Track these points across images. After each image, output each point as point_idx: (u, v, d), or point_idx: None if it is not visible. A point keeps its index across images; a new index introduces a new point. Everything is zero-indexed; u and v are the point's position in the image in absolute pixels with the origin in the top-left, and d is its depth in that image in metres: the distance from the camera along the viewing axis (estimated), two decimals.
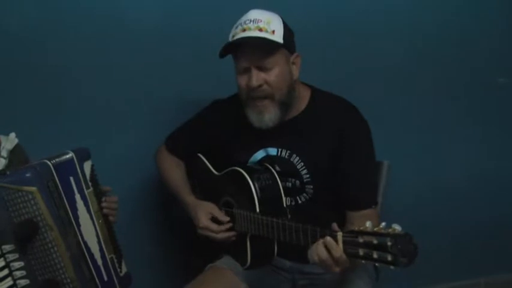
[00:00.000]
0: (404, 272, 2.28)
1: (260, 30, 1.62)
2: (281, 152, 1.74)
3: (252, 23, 1.63)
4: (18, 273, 1.38)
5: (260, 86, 1.63)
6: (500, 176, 2.65)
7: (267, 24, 1.62)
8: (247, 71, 1.64)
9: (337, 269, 1.38)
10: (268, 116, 1.66)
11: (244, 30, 1.63)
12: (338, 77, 2.22)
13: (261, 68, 1.63)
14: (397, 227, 1.22)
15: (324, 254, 1.36)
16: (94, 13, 2.02)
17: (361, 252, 1.26)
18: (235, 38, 1.64)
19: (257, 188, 1.66)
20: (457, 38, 2.49)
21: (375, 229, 1.24)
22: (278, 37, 1.63)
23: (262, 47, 1.62)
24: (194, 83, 2.14)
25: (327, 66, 2.26)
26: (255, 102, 1.66)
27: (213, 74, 1.94)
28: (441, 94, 2.52)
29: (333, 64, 2.29)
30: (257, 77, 1.62)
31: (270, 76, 1.63)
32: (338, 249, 1.34)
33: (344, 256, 1.33)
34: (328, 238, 1.36)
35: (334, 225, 1.39)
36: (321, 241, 1.38)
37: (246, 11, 1.68)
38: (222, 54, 1.67)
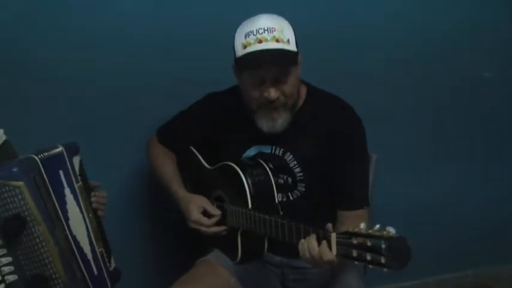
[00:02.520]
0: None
1: (277, 41, 1.55)
2: (275, 149, 1.72)
3: (266, 32, 1.55)
4: (6, 269, 1.38)
5: (278, 97, 1.59)
6: (489, 175, 2.68)
7: (281, 33, 1.56)
8: (263, 82, 1.58)
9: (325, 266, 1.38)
10: (280, 121, 1.63)
11: (260, 41, 1.55)
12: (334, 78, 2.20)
13: (278, 80, 1.58)
14: (391, 230, 1.21)
15: (315, 250, 1.36)
16: (83, 4, 1.98)
17: (354, 253, 1.25)
18: (252, 49, 1.56)
19: (250, 184, 1.64)
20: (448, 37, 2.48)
21: (370, 231, 1.23)
22: (293, 46, 1.59)
23: (282, 60, 1.56)
24: (185, 76, 2.10)
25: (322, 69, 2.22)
26: (269, 111, 1.62)
27: (204, 67, 1.91)
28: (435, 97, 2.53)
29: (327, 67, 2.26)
30: (275, 90, 1.57)
31: (287, 87, 1.59)
32: (330, 255, 1.33)
33: (335, 259, 1.33)
34: (323, 243, 1.35)
35: (329, 226, 1.39)
36: (314, 237, 1.37)
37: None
38: (240, 67, 1.60)
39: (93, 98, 2.02)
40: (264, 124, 1.64)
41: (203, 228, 1.72)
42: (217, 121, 1.79)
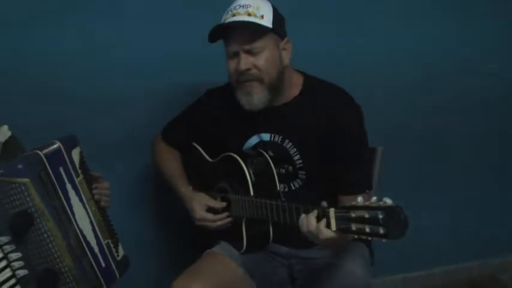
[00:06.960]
0: (400, 257, 2.35)
1: (249, 15, 1.63)
2: (274, 137, 1.75)
3: (241, 8, 1.64)
4: (16, 264, 1.39)
5: (248, 69, 1.64)
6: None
7: (256, 9, 1.64)
8: (236, 55, 1.66)
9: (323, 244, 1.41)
10: (256, 96, 1.67)
11: (234, 15, 1.64)
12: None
13: (250, 52, 1.64)
14: (388, 200, 1.23)
15: (312, 226, 1.39)
16: (83, 6, 2.01)
17: (353, 227, 1.27)
18: (225, 22, 1.66)
19: (251, 173, 1.68)
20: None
21: (366, 203, 1.26)
22: (267, 22, 1.65)
23: (250, 31, 1.63)
24: (187, 71, 2.14)
25: None
26: (243, 84, 1.67)
27: (206, 62, 1.95)
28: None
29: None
30: (245, 61, 1.64)
31: (259, 60, 1.64)
32: (327, 232, 1.36)
33: (332, 236, 1.36)
34: (322, 221, 1.38)
35: (324, 203, 1.41)
36: (315, 213, 1.40)
37: None
38: (212, 39, 1.69)
39: (98, 88, 2.06)
40: (243, 99, 1.69)
41: (209, 224, 1.76)
42: (218, 115, 1.83)
